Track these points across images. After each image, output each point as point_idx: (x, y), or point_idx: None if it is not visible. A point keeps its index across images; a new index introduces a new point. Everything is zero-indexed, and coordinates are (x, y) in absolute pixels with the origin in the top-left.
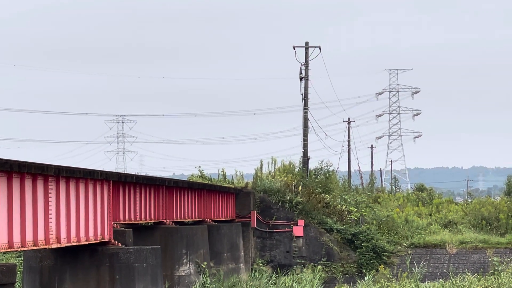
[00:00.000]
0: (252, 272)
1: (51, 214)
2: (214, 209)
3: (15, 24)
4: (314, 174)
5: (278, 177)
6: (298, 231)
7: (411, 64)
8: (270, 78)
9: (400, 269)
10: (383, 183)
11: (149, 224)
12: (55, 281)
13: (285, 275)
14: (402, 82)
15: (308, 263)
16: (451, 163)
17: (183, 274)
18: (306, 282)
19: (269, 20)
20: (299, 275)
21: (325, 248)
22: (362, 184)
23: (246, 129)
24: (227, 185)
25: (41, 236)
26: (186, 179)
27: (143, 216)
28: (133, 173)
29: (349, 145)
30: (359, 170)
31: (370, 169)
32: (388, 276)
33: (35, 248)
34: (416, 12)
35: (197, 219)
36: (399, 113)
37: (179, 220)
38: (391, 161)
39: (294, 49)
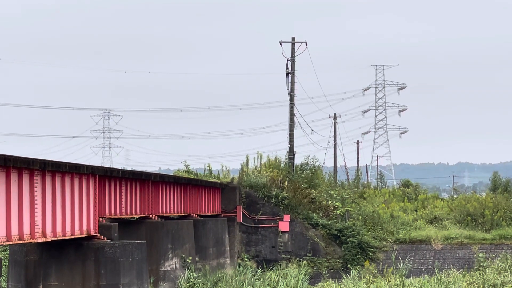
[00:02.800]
0: (237, 267)
1: (36, 208)
2: (200, 204)
3: (4, 20)
4: (300, 170)
5: (264, 172)
6: (283, 226)
7: (397, 60)
8: (257, 73)
9: (386, 265)
10: (369, 178)
11: (135, 218)
12: (40, 275)
13: (270, 270)
14: (388, 78)
15: (293, 258)
16: (436, 159)
17: (169, 268)
18: (292, 277)
19: (256, 15)
20: (284, 270)
21: (311, 243)
22: (348, 179)
23: (232, 124)
24: (213, 180)
25: (26, 230)
26: (172, 174)
27: (129, 211)
28: (119, 167)
29: (335, 140)
30: (345, 166)
31: (356, 165)
32: (373, 271)
33: (20, 242)
34: (403, 8)
35: (183, 214)
36: (385, 109)
37: (164, 215)
38: (377, 156)
39: (280, 44)
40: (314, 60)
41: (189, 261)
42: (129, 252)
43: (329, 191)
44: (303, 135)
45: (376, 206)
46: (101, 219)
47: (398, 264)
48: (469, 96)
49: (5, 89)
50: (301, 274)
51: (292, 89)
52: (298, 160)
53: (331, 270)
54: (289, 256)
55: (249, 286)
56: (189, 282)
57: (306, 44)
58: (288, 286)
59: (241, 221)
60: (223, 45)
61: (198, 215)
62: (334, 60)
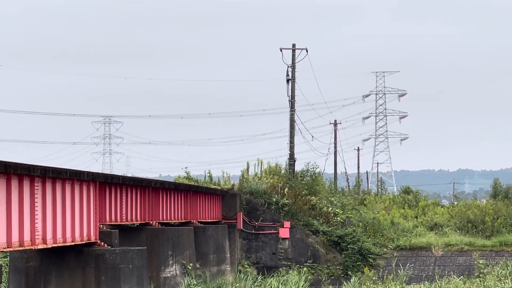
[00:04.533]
0: (238, 273)
1: (37, 214)
2: (200, 211)
3: (2, 24)
4: (301, 176)
5: (265, 179)
6: (284, 232)
7: (398, 66)
8: (257, 80)
9: (386, 271)
10: (369, 185)
11: (135, 225)
12: (40, 282)
13: (271, 276)
14: (389, 84)
15: (294, 264)
16: (437, 165)
17: (169, 275)
18: (292, 284)
19: (256, 21)
20: (284, 277)
21: (311, 250)
22: (348, 186)
23: (233, 131)
24: (213, 187)
25: (27, 236)
26: (172, 181)
27: (129, 217)
28: (120, 174)
29: (335, 147)
30: (346, 172)
31: (357, 171)
32: (373, 278)
33: (21, 248)
34: (404, 15)
35: (183, 221)
36: (385, 116)
37: (165, 221)
38: (378, 163)
39: (281, 51)
40: (314, 66)
41: (190, 267)
42: (129, 259)
43: (330, 198)
44: (304, 141)
45: (376, 212)
46: (101, 225)
47: (399, 271)
48: (470, 103)
49: (5, 95)
50: (302, 280)
51: (293, 96)
52: (298, 167)
53: (331, 276)
54: (289, 263)
55: None
56: None
57: (307, 51)
58: None
59: (241, 228)
60: (223, 52)
61: (198, 222)
62: (334, 66)
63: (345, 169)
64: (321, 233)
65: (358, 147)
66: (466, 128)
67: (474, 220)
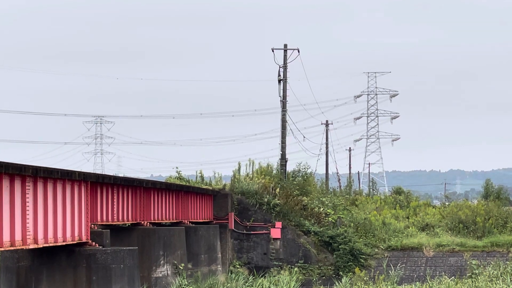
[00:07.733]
0: (229, 273)
1: (28, 214)
2: (191, 211)
3: None
4: (292, 177)
5: (256, 179)
6: (275, 233)
7: (389, 67)
8: (249, 80)
9: (377, 272)
10: (360, 185)
11: (127, 225)
12: (32, 282)
13: (262, 277)
14: (380, 85)
15: (285, 265)
16: (428, 166)
17: (160, 275)
18: (283, 284)
19: (248, 22)
20: (276, 277)
21: (302, 250)
22: (340, 186)
23: (224, 131)
24: (205, 187)
25: (18, 236)
26: (164, 181)
27: (120, 217)
28: (111, 174)
29: (327, 147)
30: (337, 173)
31: (348, 172)
32: (365, 278)
33: (12, 248)
34: (396, 16)
35: (175, 221)
36: (377, 116)
37: (156, 221)
38: (369, 163)
39: (273, 51)
40: (306, 67)
41: (181, 267)
42: (120, 259)
43: (321, 198)
44: (295, 142)
45: (368, 213)
46: (93, 225)
47: (390, 271)
48: (461, 104)
49: None
50: (293, 281)
51: (284, 96)
52: (290, 167)
53: (322, 277)
54: (280, 263)
55: None
56: None
57: (298, 51)
58: None
59: (233, 228)
60: (215, 52)
61: (190, 222)
62: (326, 67)
63: (337, 170)
64: (312, 233)
65: (350, 148)
66: (457, 129)
67: (465, 220)
